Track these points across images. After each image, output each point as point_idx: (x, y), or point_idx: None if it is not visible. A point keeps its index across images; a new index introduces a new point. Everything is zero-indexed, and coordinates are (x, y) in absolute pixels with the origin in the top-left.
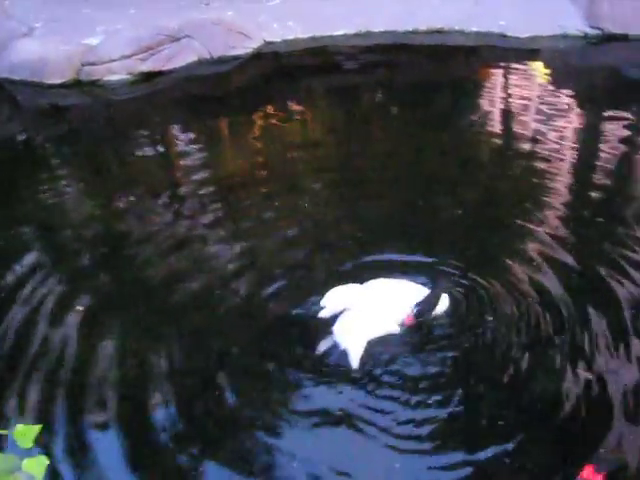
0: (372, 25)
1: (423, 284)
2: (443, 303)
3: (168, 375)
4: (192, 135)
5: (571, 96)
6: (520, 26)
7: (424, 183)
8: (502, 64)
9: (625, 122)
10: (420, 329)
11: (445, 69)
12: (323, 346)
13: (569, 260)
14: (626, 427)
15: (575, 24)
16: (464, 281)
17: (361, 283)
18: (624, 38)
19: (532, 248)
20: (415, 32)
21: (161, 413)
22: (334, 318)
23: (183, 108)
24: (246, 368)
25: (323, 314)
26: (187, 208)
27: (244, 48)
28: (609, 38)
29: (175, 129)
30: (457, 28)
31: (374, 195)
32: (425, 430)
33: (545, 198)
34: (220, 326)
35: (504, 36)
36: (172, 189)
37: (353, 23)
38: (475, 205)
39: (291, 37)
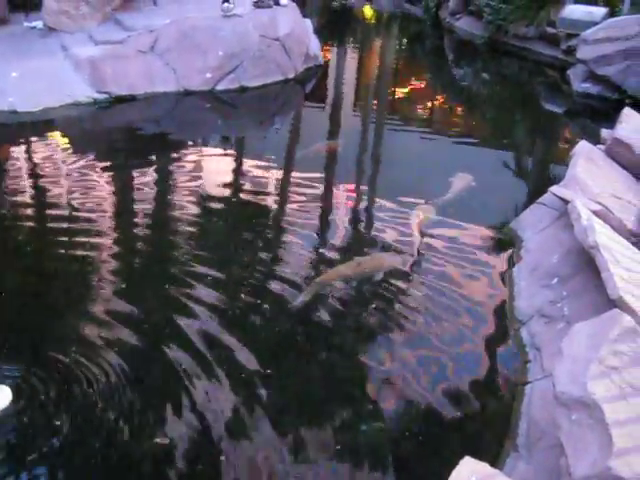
0: None
1: None
2: (5, 398)
3: None
4: None
5: (95, 159)
6: (30, 100)
7: None
8: (20, 140)
9: (150, 169)
10: None
11: None
12: None
13: (125, 333)
14: None
15: (83, 91)
16: (27, 375)
17: None
18: (132, 98)
19: (87, 327)
20: None
21: None
22: None
23: None
24: None
25: None
26: None
27: None
28: (118, 100)
29: None
30: None
31: None
32: None
33: (96, 269)
34: None
35: (15, 112)
36: None
37: None
38: (22, 294)
39: None
